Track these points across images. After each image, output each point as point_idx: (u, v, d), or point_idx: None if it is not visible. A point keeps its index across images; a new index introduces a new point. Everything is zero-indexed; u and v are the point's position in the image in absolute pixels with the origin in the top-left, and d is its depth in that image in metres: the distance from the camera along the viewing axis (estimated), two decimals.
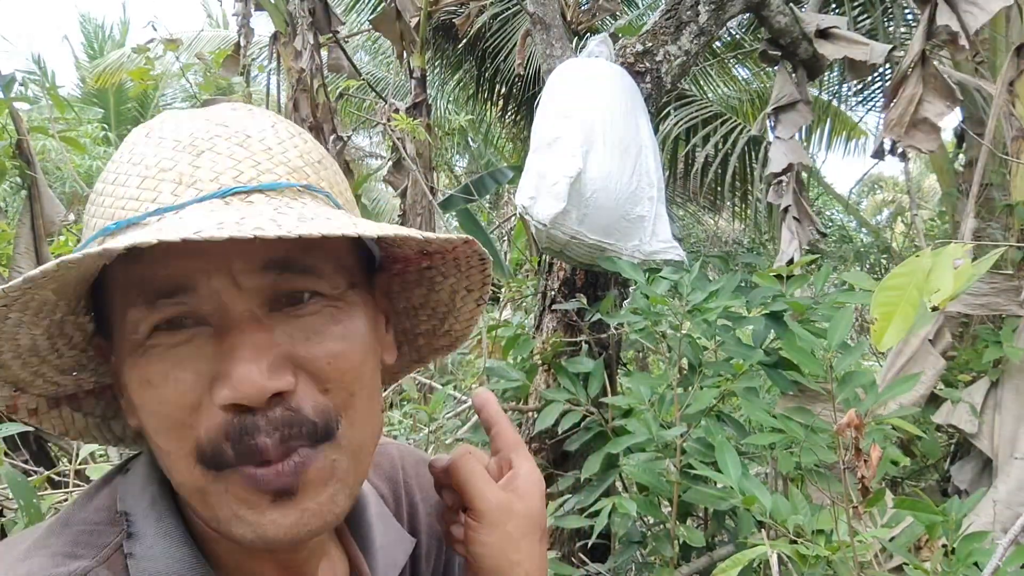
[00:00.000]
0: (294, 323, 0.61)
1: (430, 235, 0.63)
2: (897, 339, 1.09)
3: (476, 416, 2.90)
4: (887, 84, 6.21)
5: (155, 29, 4.18)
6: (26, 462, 2.67)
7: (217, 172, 0.60)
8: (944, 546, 1.46)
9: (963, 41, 2.50)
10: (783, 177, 2.98)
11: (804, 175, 3.12)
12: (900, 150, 2.65)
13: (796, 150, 3.01)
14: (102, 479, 0.70)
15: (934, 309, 1.05)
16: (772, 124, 3.10)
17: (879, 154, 2.82)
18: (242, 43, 4.36)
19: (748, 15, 4.46)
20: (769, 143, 3.16)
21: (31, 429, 2.65)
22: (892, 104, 2.62)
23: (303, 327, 0.61)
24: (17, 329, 0.60)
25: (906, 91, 2.58)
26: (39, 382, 0.67)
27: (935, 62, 2.58)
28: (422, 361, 0.86)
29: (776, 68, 3.14)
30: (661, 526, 2.08)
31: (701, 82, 7.61)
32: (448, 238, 0.66)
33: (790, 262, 2.68)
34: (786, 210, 3.00)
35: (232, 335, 0.59)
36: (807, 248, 2.86)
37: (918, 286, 1.08)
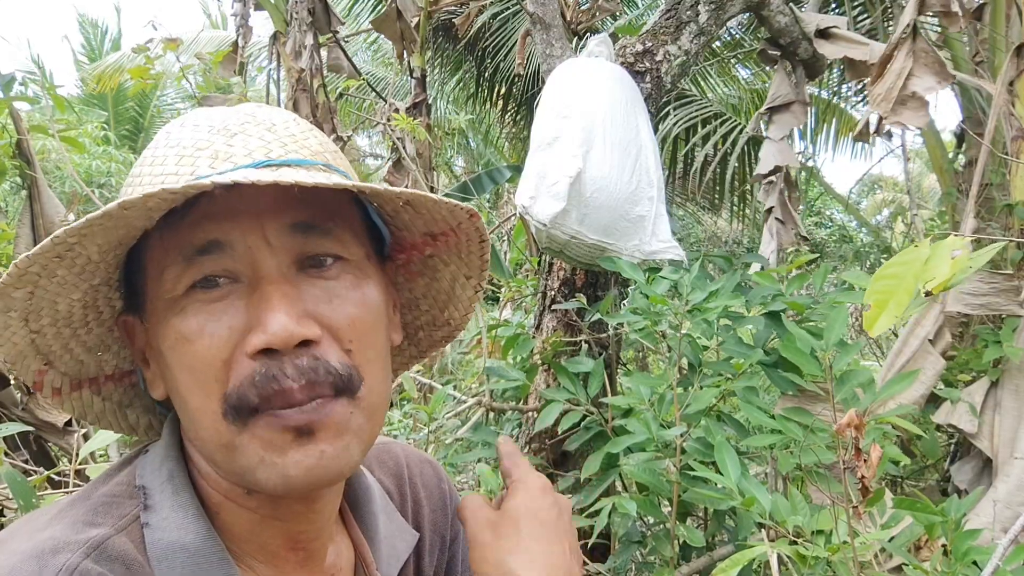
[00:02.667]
0: (318, 284, 0.67)
1: (442, 198, 0.69)
2: (889, 325, 1.10)
3: (476, 416, 2.89)
4: None
5: (155, 28, 4.18)
6: (26, 462, 2.67)
7: (250, 149, 0.66)
8: (944, 546, 1.46)
9: (955, 7, 2.43)
10: (772, 178, 2.98)
11: (804, 175, 3.12)
12: (887, 128, 2.57)
13: (785, 152, 3.01)
14: (124, 458, 0.74)
15: (927, 294, 1.05)
16: (765, 124, 3.10)
17: (864, 135, 2.76)
18: (240, 43, 4.36)
19: (748, 15, 4.46)
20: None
21: (31, 429, 2.64)
22: (880, 78, 2.52)
23: (326, 289, 0.67)
24: (60, 290, 0.65)
25: (895, 65, 2.45)
26: (67, 357, 0.72)
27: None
28: (421, 355, 0.91)
29: (775, 68, 3.14)
30: (661, 526, 2.08)
31: (701, 82, 7.61)
32: (455, 206, 0.71)
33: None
34: (770, 211, 3.00)
35: (263, 288, 0.64)
36: (795, 249, 2.86)
37: (915, 274, 1.08)
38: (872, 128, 2.62)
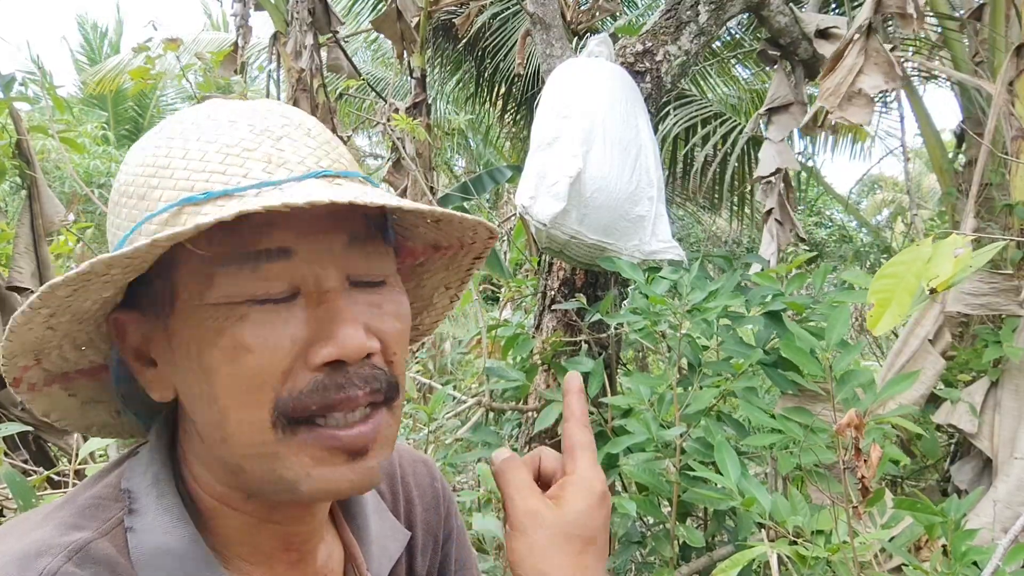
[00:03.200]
0: (368, 299, 0.67)
1: (478, 220, 0.70)
2: (893, 324, 1.10)
3: (476, 416, 2.87)
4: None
5: (155, 28, 4.19)
6: (26, 462, 2.67)
7: (301, 157, 0.66)
8: (944, 546, 1.46)
9: (911, 9, 2.46)
10: (771, 179, 2.99)
11: (803, 175, 3.13)
12: (832, 122, 2.61)
13: (785, 154, 3.02)
14: (113, 461, 0.74)
15: (932, 292, 1.05)
16: (765, 125, 3.11)
17: (810, 128, 2.78)
18: (240, 44, 4.36)
19: (748, 15, 4.46)
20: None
21: (30, 429, 2.65)
22: (831, 73, 2.57)
23: (375, 303, 0.68)
24: (102, 287, 0.63)
25: (846, 61, 2.50)
26: (54, 354, 0.70)
27: (936, 62, 2.56)
28: None
29: (775, 68, 3.14)
30: (661, 526, 2.08)
31: (701, 82, 7.60)
32: (479, 224, 0.72)
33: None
34: (769, 212, 3.01)
35: (332, 302, 0.64)
36: (794, 249, 2.87)
37: (916, 273, 1.08)
38: (818, 123, 2.65)
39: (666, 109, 6.34)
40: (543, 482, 0.76)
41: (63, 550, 0.61)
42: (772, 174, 2.98)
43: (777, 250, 2.95)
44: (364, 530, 0.81)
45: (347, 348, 0.62)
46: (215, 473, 0.69)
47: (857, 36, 2.49)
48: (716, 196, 7.17)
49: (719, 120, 6.44)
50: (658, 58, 2.71)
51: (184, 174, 0.64)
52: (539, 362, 2.54)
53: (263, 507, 0.70)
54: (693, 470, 1.74)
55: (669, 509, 1.88)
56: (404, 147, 3.81)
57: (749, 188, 6.76)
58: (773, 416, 1.79)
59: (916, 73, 5.52)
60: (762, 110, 3.10)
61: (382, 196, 0.62)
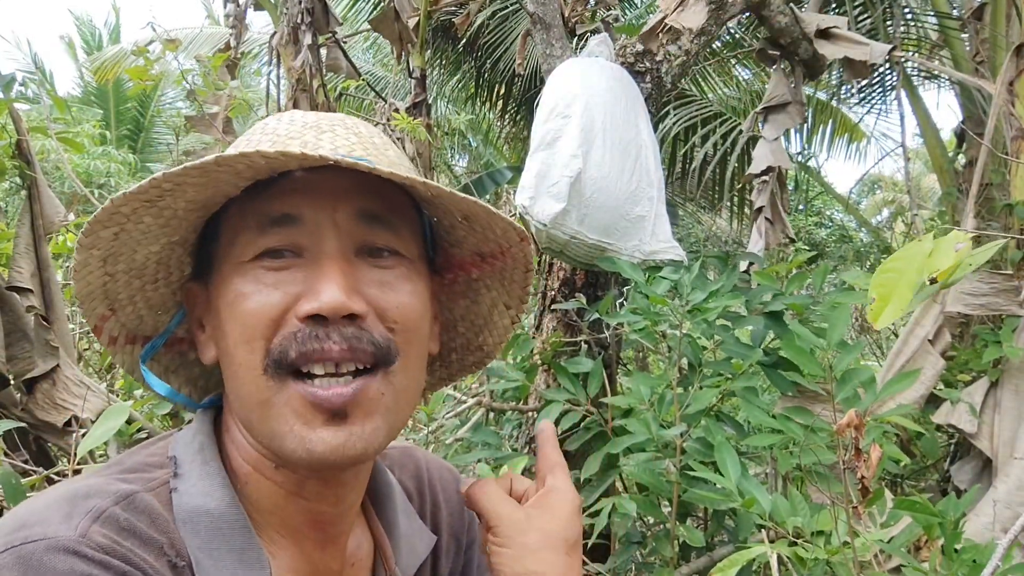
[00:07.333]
0: (374, 272, 0.72)
1: (500, 213, 0.74)
2: (894, 317, 1.10)
3: (476, 416, 2.87)
4: (887, 85, 6.19)
5: (154, 29, 4.18)
6: (26, 462, 2.66)
7: (336, 145, 0.72)
8: (943, 546, 1.46)
9: None
10: (765, 178, 2.98)
11: (803, 175, 3.13)
12: (668, 26, 2.69)
13: (778, 153, 3.01)
14: (156, 438, 0.80)
15: (932, 281, 1.06)
16: (761, 124, 3.11)
17: (647, 37, 2.82)
18: (232, 43, 4.36)
19: (748, 15, 4.45)
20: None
21: (24, 425, 2.64)
22: None
23: (380, 277, 0.72)
24: (142, 238, 0.72)
25: None
26: (129, 308, 0.78)
27: (936, 62, 2.56)
28: (451, 379, 0.94)
29: (774, 68, 3.14)
30: (661, 526, 2.08)
31: (701, 82, 7.60)
32: (510, 224, 0.75)
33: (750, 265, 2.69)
34: (759, 210, 3.01)
35: (323, 263, 0.70)
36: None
37: (918, 267, 1.08)
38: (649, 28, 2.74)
39: (666, 109, 6.34)
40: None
41: (111, 495, 0.66)
42: (764, 172, 2.98)
43: (765, 248, 2.95)
44: (393, 526, 0.84)
45: (323, 303, 0.67)
46: (246, 436, 0.74)
47: None
48: (716, 196, 7.17)
49: (719, 120, 6.44)
50: (658, 58, 2.71)
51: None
52: (539, 362, 2.54)
53: (291, 479, 0.74)
54: (693, 470, 1.74)
55: (669, 509, 1.88)
56: (404, 147, 3.81)
57: (748, 188, 6.75)
58: (773, 416, 1.79)
59: (916, 73, 5.52)
60: (759, 108, 3.10)
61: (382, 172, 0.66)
